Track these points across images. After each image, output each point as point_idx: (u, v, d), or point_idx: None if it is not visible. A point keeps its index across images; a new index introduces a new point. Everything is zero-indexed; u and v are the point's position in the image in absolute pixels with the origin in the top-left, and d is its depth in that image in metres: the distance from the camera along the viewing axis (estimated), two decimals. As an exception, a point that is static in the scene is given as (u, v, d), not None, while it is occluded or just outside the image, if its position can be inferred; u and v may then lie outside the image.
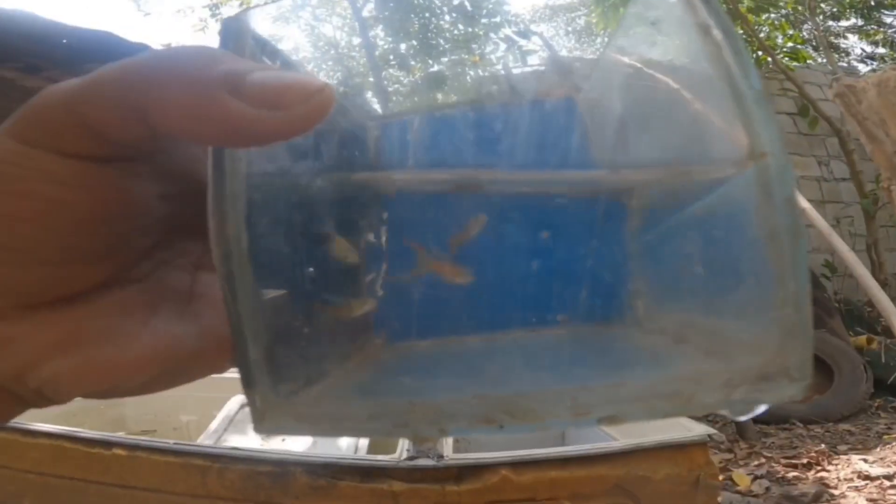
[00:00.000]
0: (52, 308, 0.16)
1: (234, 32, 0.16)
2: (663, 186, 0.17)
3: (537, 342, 0.18)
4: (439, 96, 0.25)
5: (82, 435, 1.26)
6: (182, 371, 0.19)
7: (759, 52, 4.54)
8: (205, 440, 1.60)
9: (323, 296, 0.18)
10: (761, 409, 0.15)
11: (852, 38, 6.27)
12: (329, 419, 0.16)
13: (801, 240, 0.13)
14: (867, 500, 1.78)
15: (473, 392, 0.16)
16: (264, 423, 0.16)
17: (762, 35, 4.86)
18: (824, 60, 5.20)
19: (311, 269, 0.18)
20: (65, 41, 2.70)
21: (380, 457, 1.17)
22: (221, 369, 0.20)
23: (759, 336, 0.15)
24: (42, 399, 0.17)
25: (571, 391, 0.15)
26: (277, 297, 0.17)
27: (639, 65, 0.19)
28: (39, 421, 1.36)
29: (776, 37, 5.23)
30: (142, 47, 3.07)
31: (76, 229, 0.15)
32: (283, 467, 1.15)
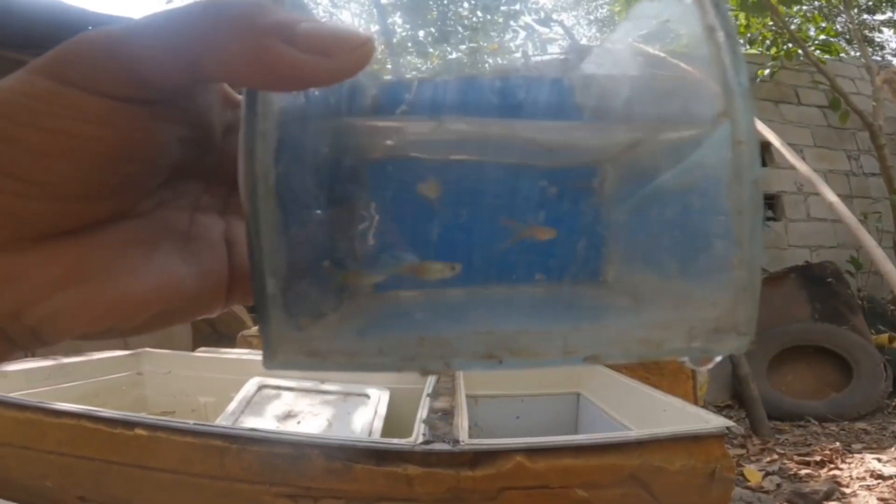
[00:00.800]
0: (57, 240, 0.16)
1: None
2: (644, 150, 0.19)
3: (517, 296, 0.20)
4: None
5: (104, 415, 1.27)
6: (179, 311, 0.19)
7: (790, 45, 4.44)
8: (222, 422, 1.62)
9: (342, 243, 0.19)
10: (715, 360, 0.17)
11: (887, 32, 6.11)
12: (340, 353, 0.17)
13: (760, 215, 0.16)
14: (878, 499, 1.76)
15: (477, 329, 0.17)
16: (276, 357, 0.16)
17: (793, 27, 4.74)
18: (857, 54, 5.07)
19: (331, 215, 0.18)
20: (90, 28, 2.75)
21: (395, 440, 1.16)
22: (213, 312, 0.20)
23: (716, 295, 0.17)
24: (35, 340, 0.16)
25: (563, 332, 0.17)
26: (296, 236, 0.17)
27: (642, 47, 0.21)
28: (62, 401, 1.40)
29: (808, 29, 5.10)
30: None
31: (99, 166, 0.15)
32: (299, 449, 1.15)
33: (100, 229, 0.16)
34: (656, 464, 1.10)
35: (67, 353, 2.22)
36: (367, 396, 1.83)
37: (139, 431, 1.22)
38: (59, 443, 1.31)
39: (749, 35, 4.79)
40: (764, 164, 4.85)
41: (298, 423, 1.79)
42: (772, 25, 4.62)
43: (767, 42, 4.76)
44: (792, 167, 3.30)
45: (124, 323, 0.17)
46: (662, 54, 0.19)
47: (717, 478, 1.12)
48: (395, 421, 1.73)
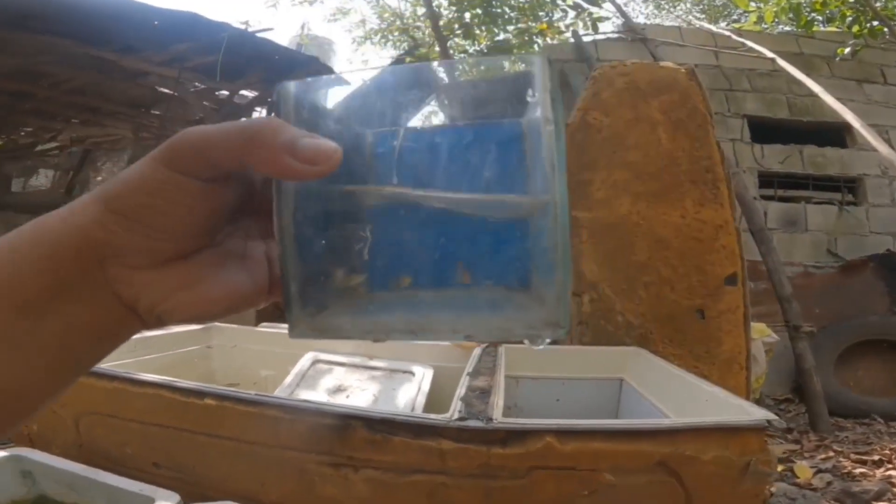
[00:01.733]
0: (173, 263, 0.28)
1: (284, 98, 0.28)
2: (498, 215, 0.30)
3: (438, 298, 0.30)
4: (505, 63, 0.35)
5: (180, 385, 1.38)
6: (240, 305, 0.30)
7: (874, 23, 4.09)
8: (280, 394, 1.74)
9: (335, 264, 0.30)
10: (546, 341, 0.27)
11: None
12: (334, 330, 0.30)
13: (569, 257, 0.27)
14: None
15: (408, 317, 0.29)
16: (295, 332, 0.29)
17: (878, 4, 4.35)
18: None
19: (328, 247, 0.30)
20: (156, 23, 2.91)
21: (431, 416, 1.21)
22: (259, 306, 0.32)
23: (547, 300, 0.27)
24: (158, 322, 0.28)
25: (453, 320, 0.29)
26: (308, 258, 0.29)
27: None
28: (143, 372, 1.54)
29: (894, 6, 4.67)
30: (223, 26, 3.25)
31: (196, 220, 0.27)
32: (345, 420, 1.22)
33: (195, 256, 0.28)
34: (688, 453, 1.09)
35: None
36: (412, 373, 1.91)
37: (208, 401, 1.33)
38: (140, 411, 1.43)
39: (827, 13, 4.44)
40: (844, 145, 4.51)
41: (347, 396, 1.89)
42: (853, 2, 4.26)
43: (849, 19, 4.39)
44: (875, 150, 3.06)
45: (209, 313, 0.29)
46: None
47: (752, 471, 1.10)
48: (438, 398, 1.79)
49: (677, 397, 1.50)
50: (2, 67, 2.44)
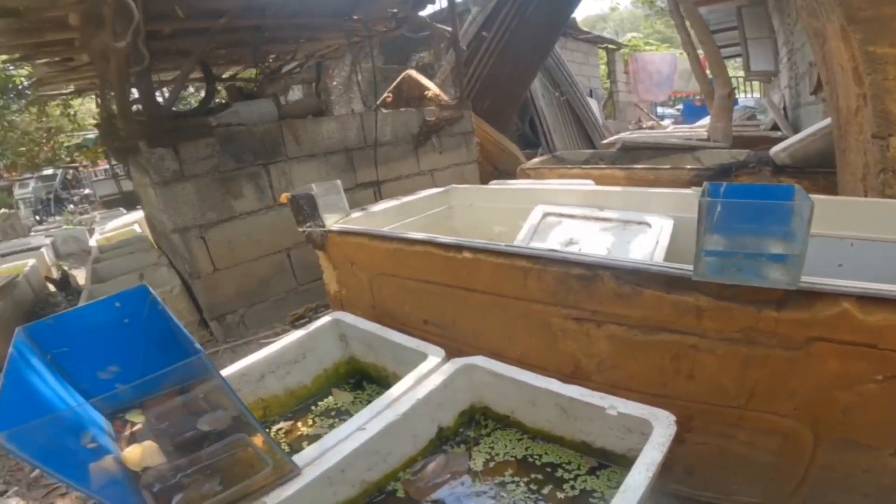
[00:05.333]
0: None
1: None
2: None
3: None
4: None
5: (442, 240, 1.50)
6: None
7: None
8: (515, 246, 1.79)
9: None
10: None
11: None
12: None
13: None
14: None
15: None
16: None
17: None
18: None
19: None
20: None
21: (687, 267, 1.07)
22: None
23: None
24: None
25: None
26: None
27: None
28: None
29: None
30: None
31: None
32: (592, 271, 1.19)
33: None
34: None
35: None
36: (649, 225, 1.78)
37: (466, 254, 1.43)
38: (414, 269, 1.60)
39: None
40: None
41: (580, 249, 1.83)
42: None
43: None
44: None
45: None
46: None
47: None
48: (678, 252, 1.64)
49: None
50: (235, 7, 2.75)
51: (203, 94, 4.00)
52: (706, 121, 5.50)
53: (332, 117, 3.37)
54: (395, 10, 3.73)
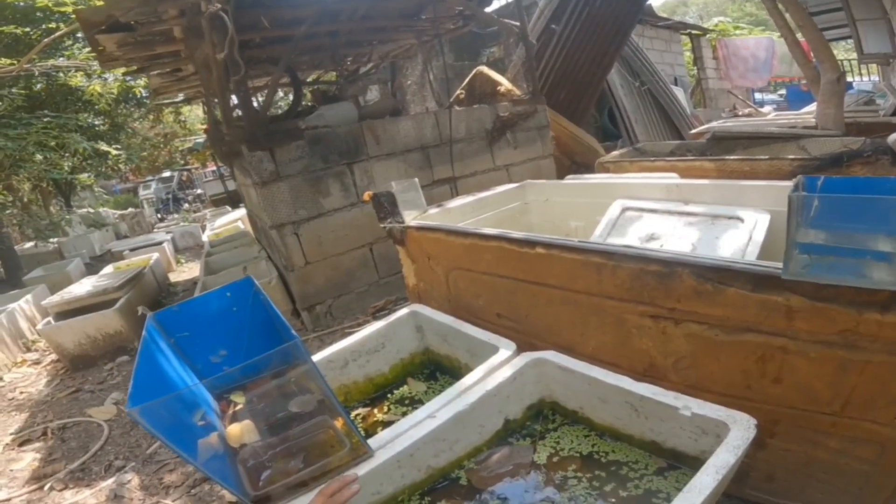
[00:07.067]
0: None
1: None
2: None
3: None
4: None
5: (514, 236, 1.51)
6: None
7: None
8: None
9: None
10: None
11: None
12: None
13: None
14: None
15: None
16: None
17: None
18: None
19: None
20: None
21: (776, 265, 1.00)
22: None
23: None
24: None
25: None
26: None
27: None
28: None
29: None
30: None
31: None
32: (670, 267, 1.14)
33: None
34: None
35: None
36: (741, 220, 1.63)
37: (539, 250, 1.42)
38: (488, 263, 1.61)
39: None
40: None
41: (661, 245, 1.74)
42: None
43: None
44: None
45: None
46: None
47: None
48: (775, 249, 1.52)
49: None
50: (312, 14, 2.93)
51: (291, 98, 4.28)
52: (813, 107, 5.01)
53: (409, 116, 3.47)
54: (461, 8, 3.76)
